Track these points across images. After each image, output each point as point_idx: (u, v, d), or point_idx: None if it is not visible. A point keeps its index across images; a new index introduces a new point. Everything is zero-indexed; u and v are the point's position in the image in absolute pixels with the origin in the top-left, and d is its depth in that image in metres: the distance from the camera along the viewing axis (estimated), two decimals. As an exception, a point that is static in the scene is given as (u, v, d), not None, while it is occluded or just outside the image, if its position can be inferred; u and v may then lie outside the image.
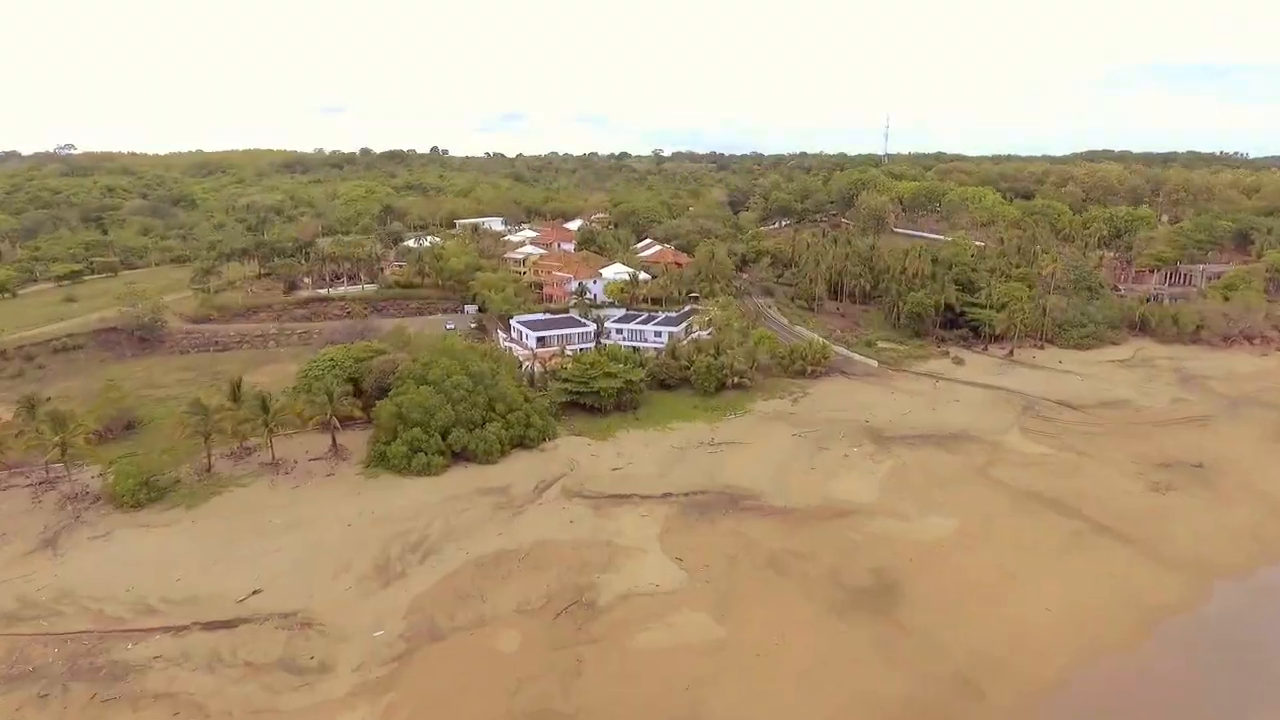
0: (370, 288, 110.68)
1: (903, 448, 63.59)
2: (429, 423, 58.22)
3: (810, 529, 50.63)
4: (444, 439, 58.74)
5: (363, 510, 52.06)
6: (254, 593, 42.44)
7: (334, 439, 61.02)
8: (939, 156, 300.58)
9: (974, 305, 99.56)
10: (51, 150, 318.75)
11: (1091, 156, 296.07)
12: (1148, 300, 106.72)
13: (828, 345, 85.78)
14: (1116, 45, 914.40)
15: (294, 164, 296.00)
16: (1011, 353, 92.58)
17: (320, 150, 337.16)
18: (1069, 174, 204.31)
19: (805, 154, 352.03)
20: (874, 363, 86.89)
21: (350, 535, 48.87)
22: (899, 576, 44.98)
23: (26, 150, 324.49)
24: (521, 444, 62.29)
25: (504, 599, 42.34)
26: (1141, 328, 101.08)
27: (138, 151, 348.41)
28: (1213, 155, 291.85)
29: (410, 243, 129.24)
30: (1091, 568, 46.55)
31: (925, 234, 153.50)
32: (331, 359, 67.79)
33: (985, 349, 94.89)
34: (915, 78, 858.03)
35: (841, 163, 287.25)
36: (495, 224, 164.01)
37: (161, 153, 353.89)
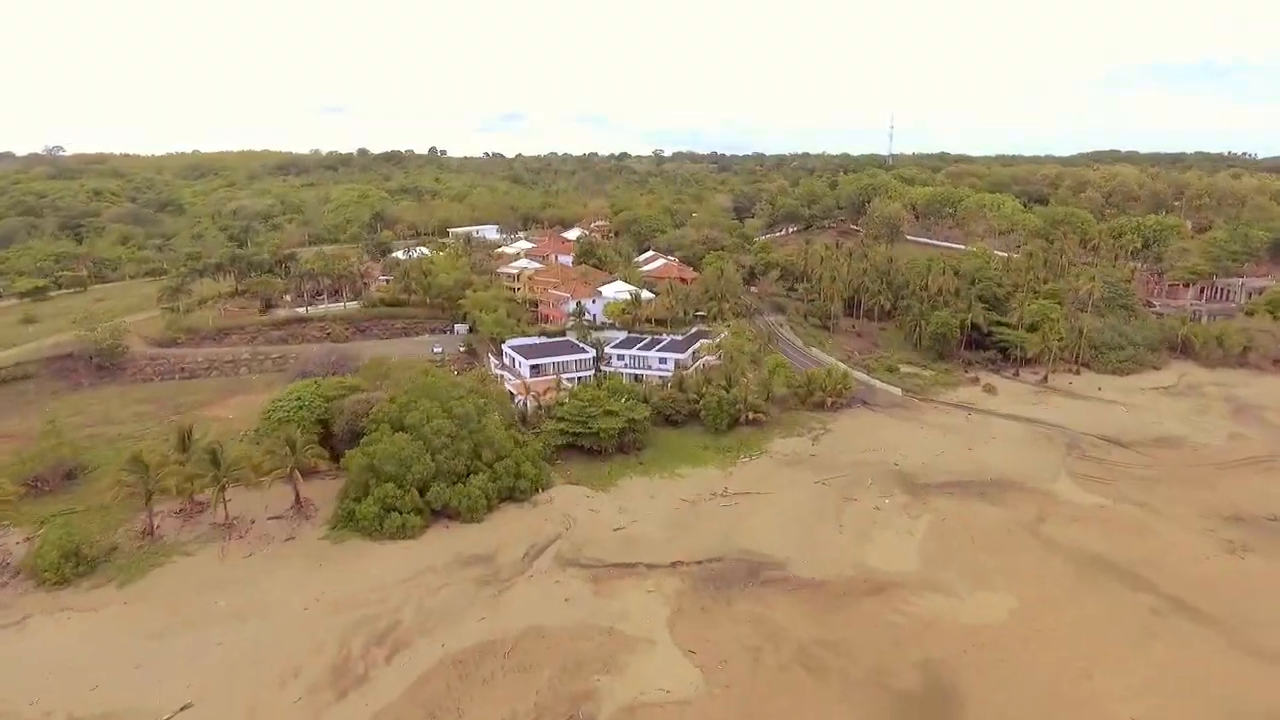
0: (353, 306, 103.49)
1: (940, 498, 55.74)
2: (405, 477, 50.44)
3: (845, 610, 43.36)
4: (422, 495, 50.69)
5: (323, 590, 44.40)
6: (183, 709, 34.99)
7: (297, 494, 53.04)
8: (943, 157, 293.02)
9: (1003, 325, 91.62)
10: (41, 151, 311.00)
11: (1098, 157, 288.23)
12: (1189, 319, 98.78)
13: (849, 374, 78.43)
14: (1116, 45, 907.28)
15: (288, 165, 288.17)
16: (1046, 378, 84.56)
17: (316, 151, 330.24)
18: (1084, 177, 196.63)
19: (807, 154, 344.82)
20: (898, 391, 79.53)
21: (305, 624, 41.38)
22: (954, 676, 37.86)
23: (21, 151, 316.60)
24: (511, 496, 54.22)
25: (485, 713, 34.94)
26: (1183, 349, 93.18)
27: (131, 153, 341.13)
28: (1220, 156, 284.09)
29: (399, 254, 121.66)
30: (1175, 661, 39.45)
31: (940, 242, 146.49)
32: (299, 398, 59.84)
33: (1016, 374, 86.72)
34: (916, 77, 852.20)
35: (845, 163, 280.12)
36: (490, 233, 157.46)
37: (157, 154, 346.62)
